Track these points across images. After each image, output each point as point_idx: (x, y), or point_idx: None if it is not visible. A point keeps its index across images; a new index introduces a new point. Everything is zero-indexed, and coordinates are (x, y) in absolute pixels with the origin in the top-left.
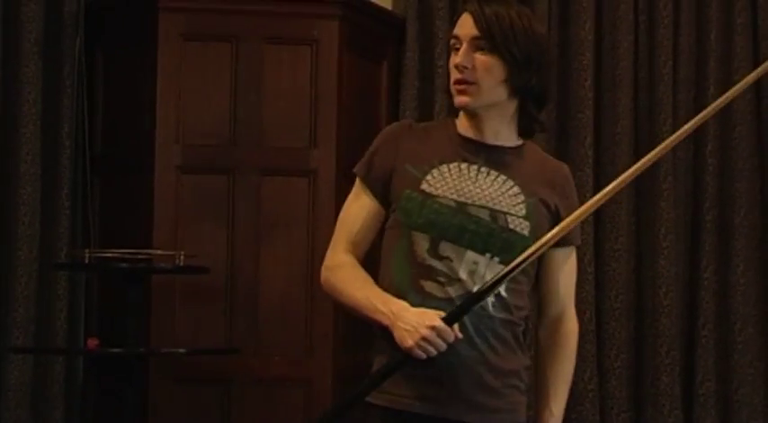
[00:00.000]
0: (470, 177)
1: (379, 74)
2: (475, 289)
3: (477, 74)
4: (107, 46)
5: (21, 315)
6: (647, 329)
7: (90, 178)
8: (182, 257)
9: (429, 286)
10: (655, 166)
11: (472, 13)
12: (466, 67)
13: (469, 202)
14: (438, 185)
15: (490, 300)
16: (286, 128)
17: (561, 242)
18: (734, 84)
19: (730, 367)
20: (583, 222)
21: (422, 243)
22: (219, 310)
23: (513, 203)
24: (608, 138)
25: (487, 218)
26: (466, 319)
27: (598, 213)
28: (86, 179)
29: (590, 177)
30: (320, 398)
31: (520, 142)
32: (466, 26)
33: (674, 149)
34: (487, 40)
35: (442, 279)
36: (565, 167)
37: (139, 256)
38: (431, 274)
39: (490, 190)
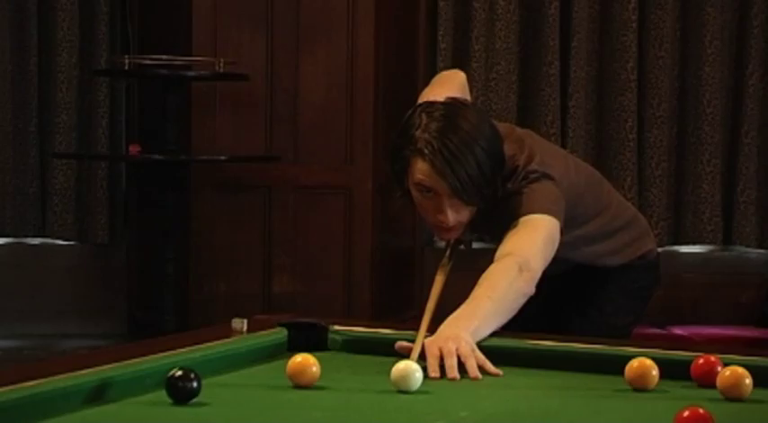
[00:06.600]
0: None
1: None
2: None
3: (459, 217)
4: None
5: (63, 121)
6: (689, 137)
7: None
8: (221, 64)
9: None
10: None
11: (444, 179)
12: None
13: None
14: None
15: None
16: None
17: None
18: None
19: None
20: (627, 30)
21: None
22: (259, 118)
23: None
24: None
25: None
26: None
27: (642, 19)
28: None
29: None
30: (360, 205)
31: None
32: (440, 185)
33: None
34: (464, 200)
35: None
36: None
37: (179, 63)
38: None
39: None
